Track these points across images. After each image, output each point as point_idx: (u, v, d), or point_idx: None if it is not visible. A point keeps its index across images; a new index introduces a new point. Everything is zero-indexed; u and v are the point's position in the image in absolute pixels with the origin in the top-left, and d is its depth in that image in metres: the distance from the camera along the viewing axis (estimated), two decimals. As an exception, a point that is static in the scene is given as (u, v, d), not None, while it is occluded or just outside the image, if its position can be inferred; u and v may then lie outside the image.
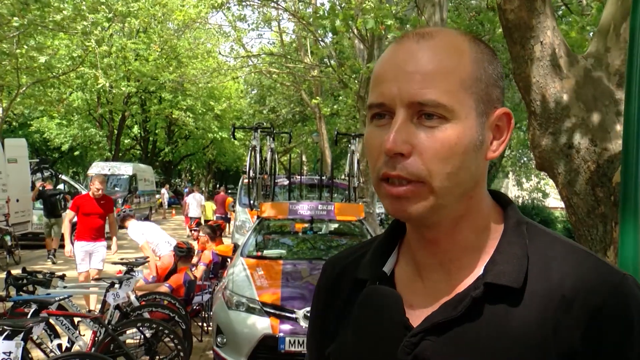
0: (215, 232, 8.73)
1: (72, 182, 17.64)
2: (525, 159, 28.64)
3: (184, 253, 7.29)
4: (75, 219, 7.96)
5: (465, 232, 0.85)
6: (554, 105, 3.08)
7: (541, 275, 0.80)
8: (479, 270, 0.84)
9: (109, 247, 8.05)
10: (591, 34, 6.63)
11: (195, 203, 19.87)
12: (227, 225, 19.52)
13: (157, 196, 29.10)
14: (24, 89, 18.07)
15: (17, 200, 13.57)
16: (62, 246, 12.85)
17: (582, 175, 2.97)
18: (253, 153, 8.06)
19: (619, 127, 2.97)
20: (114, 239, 8.03)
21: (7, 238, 12.37)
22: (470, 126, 0.80)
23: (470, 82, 0.80)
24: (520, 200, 27.59)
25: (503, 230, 0.86)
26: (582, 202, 2.98)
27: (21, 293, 5.32)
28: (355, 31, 12.49)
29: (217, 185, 55.62)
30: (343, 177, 13.01)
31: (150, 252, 7.73)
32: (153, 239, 7.95)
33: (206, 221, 18.54)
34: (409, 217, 0.82)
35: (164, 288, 6.68)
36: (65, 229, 7.88)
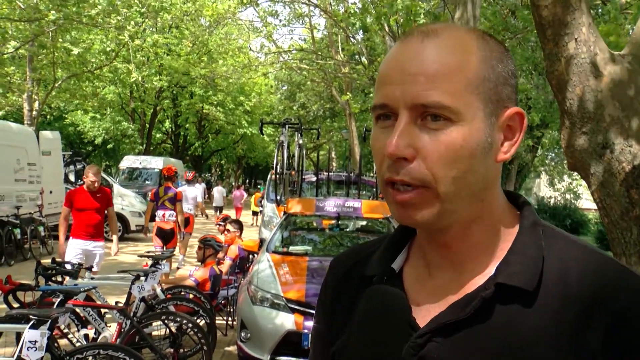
0: (242, 227, 8.82)
1: (105, 175, 17.93)
2: (557, 159, 28.11)
3: (222, 247, 7.45)
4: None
5: (477, 235, 0.82)
6: (588, 104, 2.98)
7: (557, 278, 0.77)
8: (490, 271, 0.81)
9: (107, 248, 7.35)
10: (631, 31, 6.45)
11: (219, 195, 22.70)
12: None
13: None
14: (59, 82, 18.43)
15: (51, 192, 13.86)
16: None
17: (616, 177, 2.87)
18: (281, 149, 8.07)
19: (656, 127, 2.86)
20: (115, 237, 7.36)
21: (41, 229, 12.64)
22: (478, 128, 0.77)
23: (477, 81, 0.77)
24: (552, 201, 27.09)
25: (518, 232, 0.83)
26: (615, 203, 2.88)
27: (50, 283, 5.40)
28: (387, 28, 12.40)
29: (247, 181, 56.02)
30: (371, 174, 12.92)
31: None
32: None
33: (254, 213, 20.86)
34: (416, 223, 0.80)
35: (189, 282, 6.72)
36: (60, 227, 7.04)
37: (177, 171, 10.17)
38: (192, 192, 11.75)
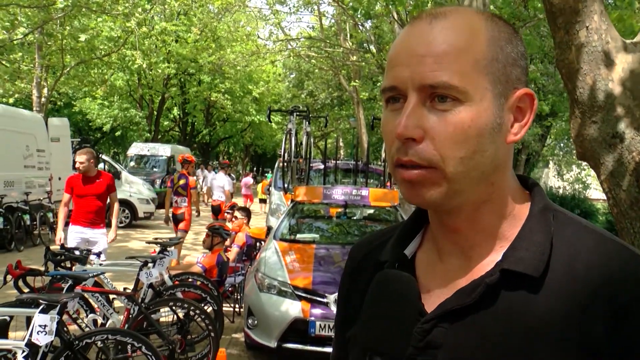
0: (249, 214, 8.84)
1: (113, 162, 17.98)
2: (566, 149, 27.92)
3: (229, 235, 7.47)
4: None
5: (487, 218, 0.82)
6: (598, 93, 2.95)
7: (566, 265, 0.77)
8: (498, 257, 0.81)
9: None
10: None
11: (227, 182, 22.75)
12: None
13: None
14: (68, 69, 18.45)
15: (59, 178, 13.92)
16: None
17: (626, 166, 2.85)
18: (288, 136, 8.06)
19: (667, 117, 2.84)
20: (113, 223, 7.03)
21: (50, 215, 12.72)
22: (486, 108, 0.77)
23: (485, 62, 0.77)
24: (560, 191, 26.96)
25: (527, 216, 0.83)
26: (625, 194, 2.86)
27: (59, 268, 5.45)
28: (395, 16, 12.31)
29: (255, 169, 56.09)
30: (379, 162, 12.89)
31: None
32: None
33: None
34: (424, 202, 0.80)
35: (197, 269, 6.75)
36: (60, 213, 6.89)
37: (188, 158, 10.07)
38: (221, 181, 12.71)
